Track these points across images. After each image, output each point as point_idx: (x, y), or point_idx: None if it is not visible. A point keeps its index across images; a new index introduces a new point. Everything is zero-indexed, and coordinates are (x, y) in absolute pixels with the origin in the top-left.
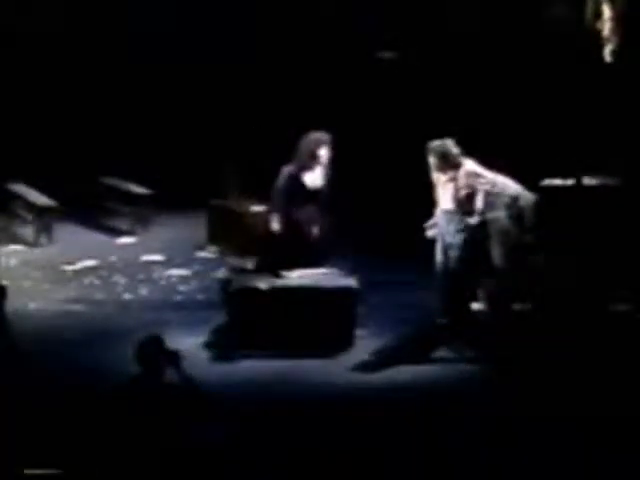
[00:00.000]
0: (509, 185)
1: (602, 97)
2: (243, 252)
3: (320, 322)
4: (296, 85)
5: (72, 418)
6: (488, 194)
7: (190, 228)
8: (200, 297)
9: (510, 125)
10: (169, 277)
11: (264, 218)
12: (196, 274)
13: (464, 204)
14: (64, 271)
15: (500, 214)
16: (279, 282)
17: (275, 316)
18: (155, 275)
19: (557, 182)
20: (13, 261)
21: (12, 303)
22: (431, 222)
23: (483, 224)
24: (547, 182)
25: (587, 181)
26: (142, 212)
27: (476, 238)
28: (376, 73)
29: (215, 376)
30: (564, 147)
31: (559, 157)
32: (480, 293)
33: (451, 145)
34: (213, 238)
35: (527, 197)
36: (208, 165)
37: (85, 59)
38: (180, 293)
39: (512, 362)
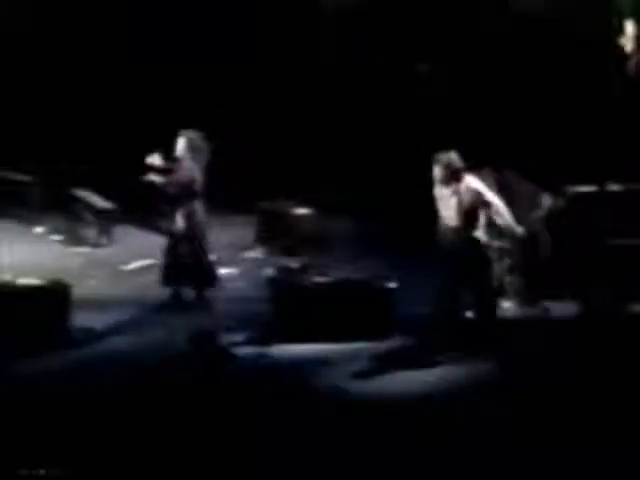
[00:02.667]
0: (501, 213)
1: (626, 108)
2: (288, 252)
3: (362, 315)
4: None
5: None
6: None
7: (238, 230)
8: (247, 294)
9: (538, 132)
10: (220, 274)
11: (308, 220)
12: (244, 272)
13: (469, 218)
14: (122, 269)
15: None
16: (324, 279)
17: (320, 311)
18: None
19: (583, 188)
20: (77, 260)
21: (76, 299)
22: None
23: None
24: (573, 188)
25: (613, 187)
26: None
27: (484, 250)
28: (413, 85)
29: (261, 367)
30: (590, 154)
31: (585, 164)
32: (510, 289)
33: (456, 158)
34: (260, 239)
35: (514, 231)
36: (255, 170)
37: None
38: (229, 290)
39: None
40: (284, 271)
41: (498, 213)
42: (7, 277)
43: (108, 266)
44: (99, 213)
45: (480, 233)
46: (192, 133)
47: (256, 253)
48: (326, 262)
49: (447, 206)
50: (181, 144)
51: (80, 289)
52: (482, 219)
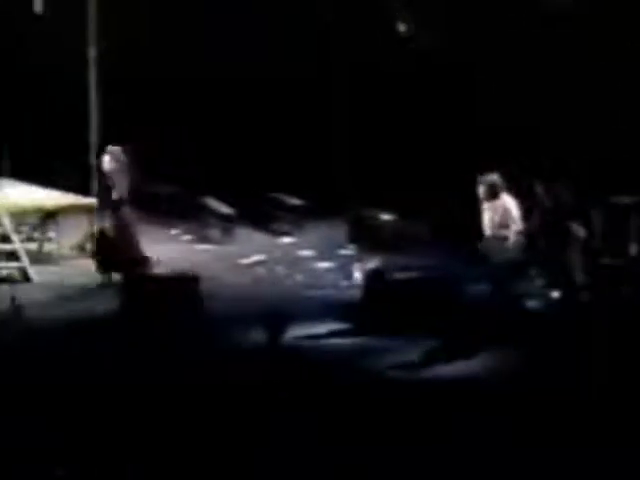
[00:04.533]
0: (513, 234)
1: None
2: (375, 251)
3: (437, 308)
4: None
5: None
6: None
7: (334, 231)
8: (342, 284)
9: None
10: (318, 268)
11: (392, 225)
12: (339, 266)
13: (501, 229)
14: (241, 263)
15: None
16: (407, 274)
17: (406, 303)
18: (308, 267)
19: (625, 199)
20: (204, 256)
21: (204, 288)
22: (482, 244)
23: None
24: (615, 199)
25: None
26: (298, 218)
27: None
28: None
29: (350, 350)
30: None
31: (626, 174)
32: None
33: (496, 179)
34: (352, 239)
35: (505, 254)
36: (347, 179)
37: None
38: (326, 280)
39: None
40: (375, 267)
41: (512, 232)
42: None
43: (229, 260)
44: (222, 217)
45: (510, 241)
46: (114, 149)
47: (349, 251)
48: (406, 260)
49: (484, 219)
50: (106, 158)
51: (207, 278)
52: (513, 229)
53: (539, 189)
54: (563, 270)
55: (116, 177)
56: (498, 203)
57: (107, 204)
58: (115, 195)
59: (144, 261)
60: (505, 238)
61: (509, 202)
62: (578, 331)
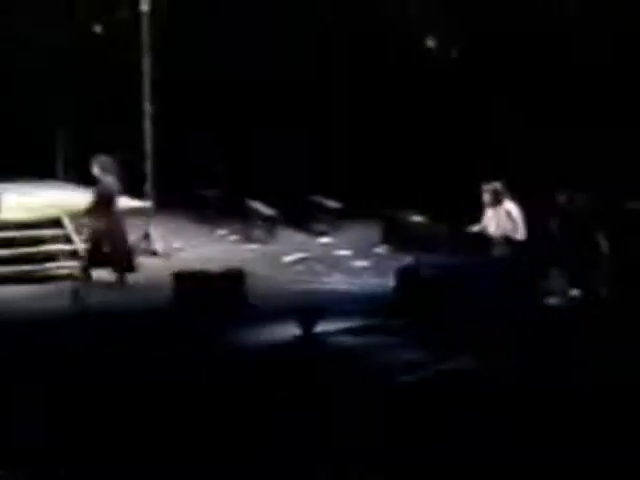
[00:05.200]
0: (514, 237)
1: None
2: (406, 250)
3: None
4: None
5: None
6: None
7: (368, 231)
8: (376, 281)
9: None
10: (354, 266)
11: (421, 226)
12: (373, 265)
13: (505, 233)
14: (282, 260)
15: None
16: (439, 272)
17: (437, 297)
18: (344, 265)
19: None
20: (249, 255)
21: (249, 284)
22: (476, 227)
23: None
24: (632, 204)
25: None
26: (335, 220)
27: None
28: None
29: (383, 339)
30: None
31: None
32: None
33: (500, 187)
34: (385, 239)
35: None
36: (380, 183)
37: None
38: (362, 278)
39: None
40: (408, 265)
41: (516, 234)
42: (198, 266)
43: (272, 258)
44: (265, 219)
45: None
46: (103, 157)
47: (382, 250)
48: (437, 259)
49: (490, 224)
50: (96, 167)
51: (252, 275)
52: (520, 232)
53: (561, 197)
54: (584, 270)
55: (105, 182)
56: (501, 209)
57: (100, 207)
58: (105, 199)
59: (128, 259)
60: (509, 242)
61: (512, 208)
62: (598, 328)
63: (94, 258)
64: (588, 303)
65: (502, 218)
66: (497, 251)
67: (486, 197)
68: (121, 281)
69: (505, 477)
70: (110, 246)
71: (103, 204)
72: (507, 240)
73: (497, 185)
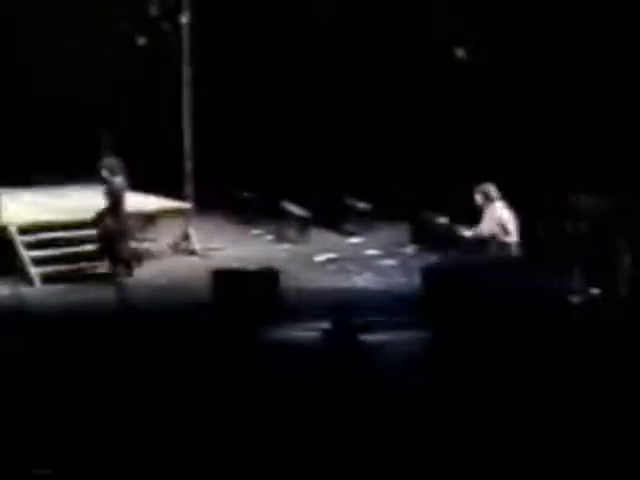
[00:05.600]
0: (508, 237)
1: None
2: (433, 250)
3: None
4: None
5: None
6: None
7: (397, 232)
8: (404, 280)
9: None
10: (383, 265)
11: (446, 227)
12: (402, 264)
13: (495, 234)
14: (314, 260)
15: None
16: (464, 271)
17: (462, 295)
18: (374, 264)
19: None
20: (283, 254)
21: (283, 282)
22: (468, 232)
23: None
24: None
25: None
26: (365, 221)
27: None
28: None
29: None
30: None
31: None
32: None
33: (490, 188)
34: (413, 239)
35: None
36: (408, 185)
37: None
38: (391, 276)
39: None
40: (432, 264)
41: (507, 236)
42: (234, 265)
43: (305, 258)
44: (298, 219)
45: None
46: (110, 159)
47: (410, 249)
48: (462, 258)
49: (482, 222)
50: (103, 168)
51: (285, 274)
52: (513, 233)
53: (573, 200)
54: (604, 269)
55: (113, 182)
56: (494, 211)
57: (109, 206)
58: (113, 199)
59: (128, 259)
60: (505, 244)
61: (503, 211)
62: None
63: (112, 255)
64: (607, 302)
65: (495, 221)
66: (496, 252)
67: (477, 198)
68: (116, 278)
69: None
70: (116, 243)
71: (112, 203)
72: (498, 243)
73: (488, 186)
